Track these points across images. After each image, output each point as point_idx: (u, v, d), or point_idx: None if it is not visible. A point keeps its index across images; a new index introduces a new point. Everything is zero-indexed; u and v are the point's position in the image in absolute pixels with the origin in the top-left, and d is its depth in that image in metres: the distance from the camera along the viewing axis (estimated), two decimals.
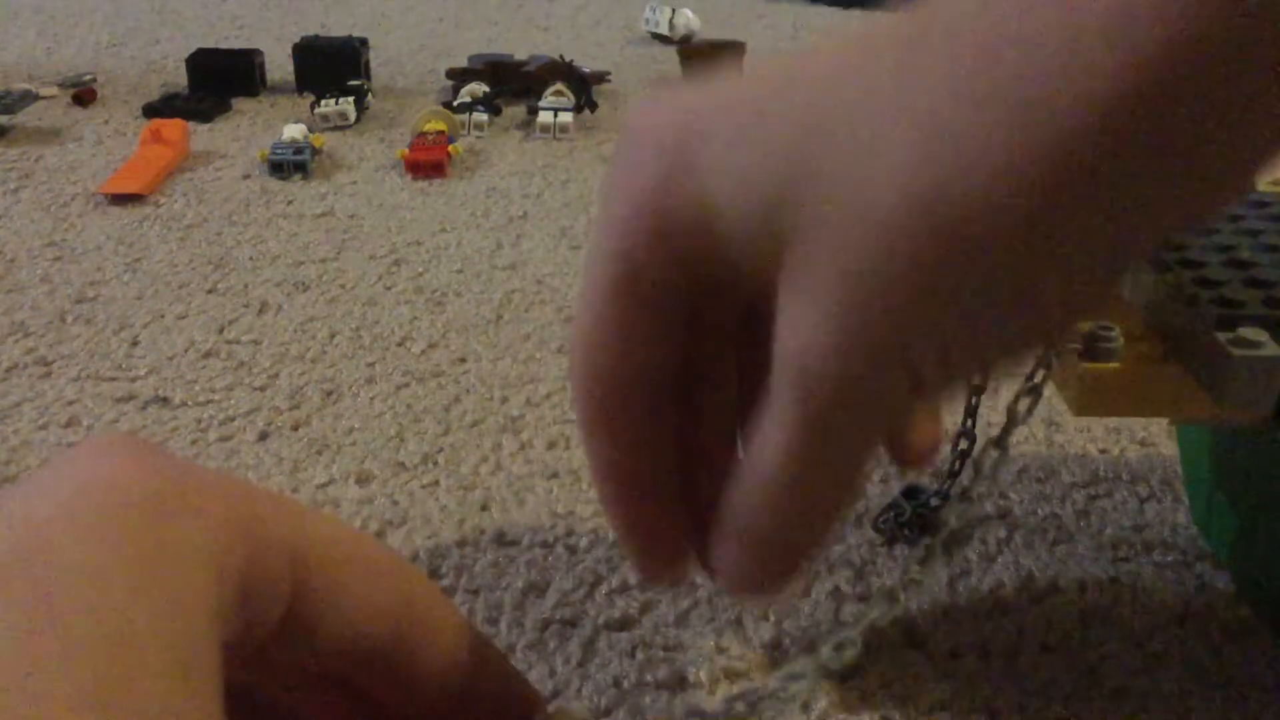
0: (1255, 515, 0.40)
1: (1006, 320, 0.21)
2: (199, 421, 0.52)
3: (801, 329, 0.21)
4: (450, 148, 0.85)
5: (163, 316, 0.62)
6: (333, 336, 0.60)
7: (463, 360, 0.58)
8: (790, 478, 0.23)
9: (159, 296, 0.64)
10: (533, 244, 0.72)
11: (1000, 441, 0.26)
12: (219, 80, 1.02)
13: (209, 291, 0.65)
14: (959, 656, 0.38)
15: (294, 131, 0.86)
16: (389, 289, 0.66)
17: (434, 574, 0.42)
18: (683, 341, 0.24)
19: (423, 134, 0.88)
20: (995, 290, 0.20)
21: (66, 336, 0.60)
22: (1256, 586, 0.40)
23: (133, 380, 0.55)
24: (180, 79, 1.03)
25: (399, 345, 0.59)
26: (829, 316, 0.20)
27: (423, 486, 0.47)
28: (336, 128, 0.93)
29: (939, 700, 0.36)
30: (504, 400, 0.54)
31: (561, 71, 1.01)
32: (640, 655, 0.38)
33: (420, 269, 0.68)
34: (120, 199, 0.78)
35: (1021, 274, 0.20)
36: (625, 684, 0.36)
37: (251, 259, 0.70)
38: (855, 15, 1.44)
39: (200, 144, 0.90)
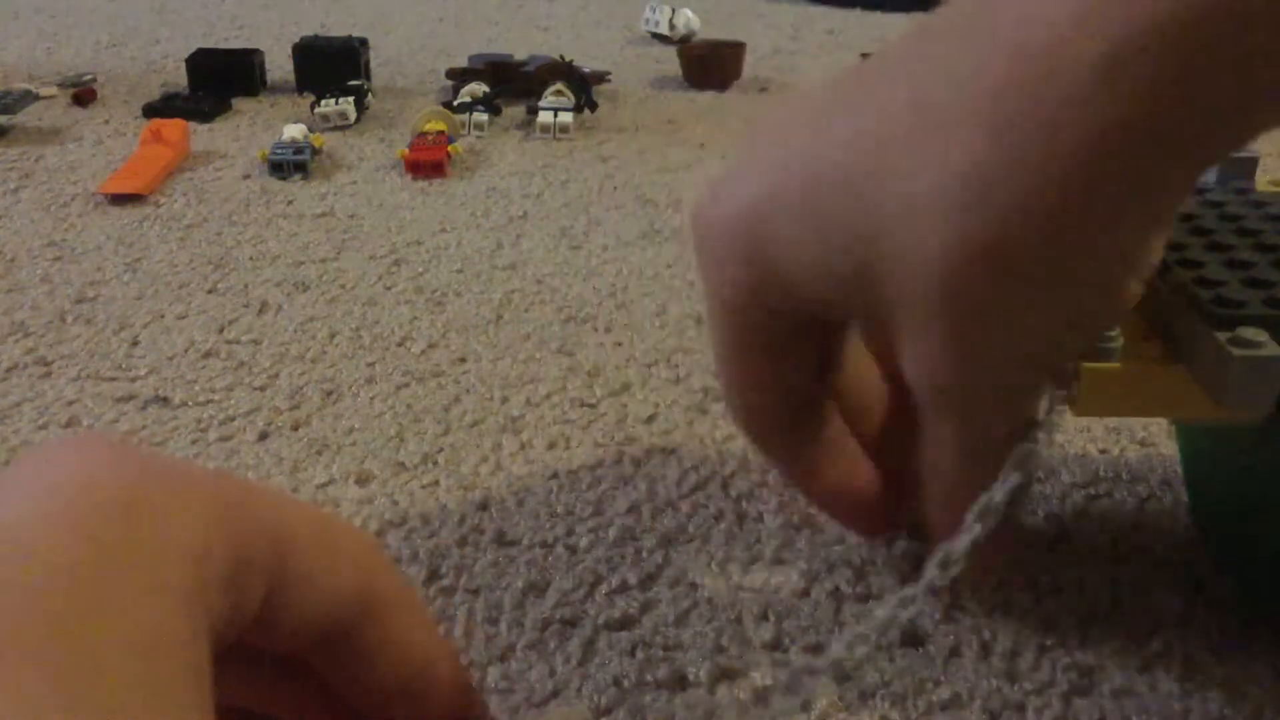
0: (1256, 515, 0.39)
1: (1060, 306, 0.24)
2: (199, 421, 0.52)
3: (922, 362, 0.26)
4: (450, 148, 0.85)
5: (163, 316, 0.62)
6: (333, 336, 0.60)
7: (463, 360, 0.58)
8: (964, 477, 0.28)
9: (159, 296, 0.64)
10: (533, 244, 0.72)
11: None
12: (219, 80, 1.02)
13: (209, 291, 0.65)
14: (959, 656, 0.38)
15: (294, 131, 0.86)
16: (389, 289, 0.66)
17: (434, 574, 0.42)
18: (800, 363, 0.30)
19: (423, 134, 0.88)
20: (1044, 286, 0.23)
21: (66, 336, 0.60)
22: (1257, 587, 0.40)
23: (133, 380, 0.55)
24: (180, 79, 1.03)
25: (399, 345, 0.59)
26: (935, 347, 0.24)
27: (423, 486, 0.47)
28: (336, 128, 0.93)
29: (939, 700, 0.36)
30: (504, 400, 0.54)
31: (561, 71, 1.01)
32: (640, 655, 0.38)
33: (420, 269, 0.68)
34: (120, 199, 0.78)
35: (1061, 270, 0.23)
36: (625, 683, 0.36)
37: (251, 259, 0.70)
38: (855, 15, 1.44)
39: (200, 144, 0.90)
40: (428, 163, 0.84)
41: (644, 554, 0.42)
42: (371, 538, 0.23)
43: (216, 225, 0.75)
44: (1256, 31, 0.19)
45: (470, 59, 1.10)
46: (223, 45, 1.12)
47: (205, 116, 0.96)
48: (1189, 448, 0.45)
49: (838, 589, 0.41)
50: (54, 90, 0.97)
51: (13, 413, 0.52)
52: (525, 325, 0.61)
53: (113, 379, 0.55)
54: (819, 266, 0.26)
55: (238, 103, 1.01)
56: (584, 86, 0.99)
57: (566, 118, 0.93)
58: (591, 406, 0.53)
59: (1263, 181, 0.40)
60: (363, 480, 0.47)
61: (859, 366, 0.34)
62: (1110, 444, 0.51)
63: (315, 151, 0.85)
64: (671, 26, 1.25)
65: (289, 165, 0.83)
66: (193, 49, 1.06)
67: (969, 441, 0.28)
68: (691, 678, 0.37)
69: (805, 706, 0.36)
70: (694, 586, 0.41)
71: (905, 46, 0.25)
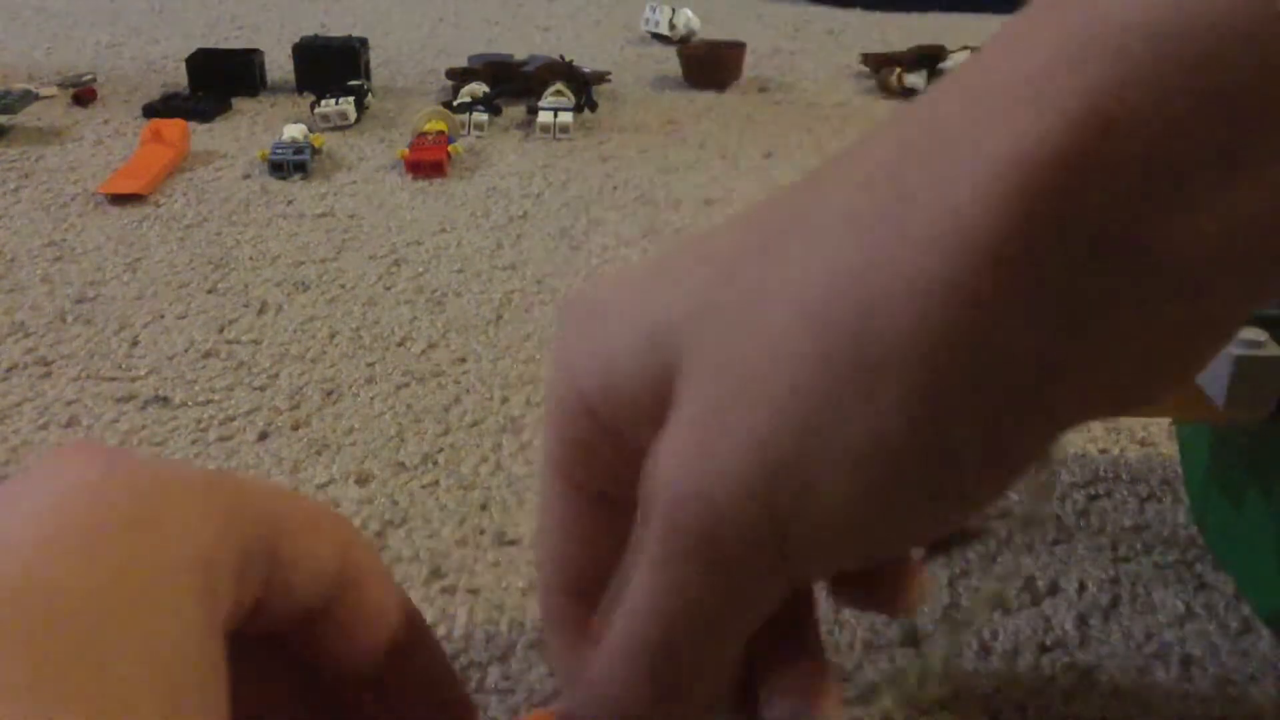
0: (1255, 515, 0.39)
1: (905, 480, 0.17)
2: (199, 421, 0.52)
3: (675, 450, 0.19)
4: (450, 148, 0.85)
5: (163, 316, 0.62)
6: (333, 336, 0.60)
7: (463, 360, 0.58)
8: (648, 636, 0.20)
9: (159, 296, 0.64)
10: (533, 244, 0.72)
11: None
12: (219, 80, 1.02)
13: (209, 291, 0.65)
14: (959, 656, 0.38)
15: (294, 131, 0.86)
16: (389, 289, 0.66)
17: (434, 574, 0.42)
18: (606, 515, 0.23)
19: (423, 134, 0.88)
20: (879, 420, 0.17)
21: (66, 336, 0.60)
22: (1257, 587, 0.40)
23: (133, 380, 0.55)
24: (180, 79, 1.03)
25: (399, 345, 0.59)
26: (704, 429, 0.18)
27: (423, 486, 0.47)
28: (336, 128, 0.93)
29: (939, 700, 0.36)
30: (504, 400, 0.54)
31: (561, 71, 1.01)
32: None
33: (420, 269, 0.68)
34: (120, 199, 0.78)
35: (925, 398, 0.17)
36: None
37: (251, 259, 0.70)
38: (855, 15, 1.44)
39: (200, 144, 0.90)
40: (428, 163, 0.84)
41: None
42: (340, 515, 0.23)
43: (216, 225, 0.75)
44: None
45: (470, 59, 1.10)
46: (223, 45, 1.12)
47: (205, 116, 0.96)
48: (1189, 448, 0.45)
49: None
50: (54, 90, 0.97)
51: (13, 413, 0.52)
52: (525, 325, 0.61)
53: (113, 379, 0.55)
54: (634, 332, 0.20)
55: (238, 103, 1.01)
56: (584, 86, 0.99)
57: (566, 118, 0.93)
58: None
59: None
60: (363, 480, 0.47)
61: None
62: (1110, 444, 0.51)
63: (315, 151, 0.85)
64: (671, 26, 1.25)
65: (289, 165, 0.83)
66: (193, 49, 1.06)
67: (677, 599, 0.19)
68: None
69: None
70: None
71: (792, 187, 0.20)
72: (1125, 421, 0.52)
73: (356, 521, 0.44)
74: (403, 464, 0.49)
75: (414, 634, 0.23)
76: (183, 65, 1.03)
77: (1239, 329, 0.17)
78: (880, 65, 1.10)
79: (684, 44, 1.20)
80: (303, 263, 0.69)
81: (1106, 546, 0.44)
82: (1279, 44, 0.15)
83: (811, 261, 0.18)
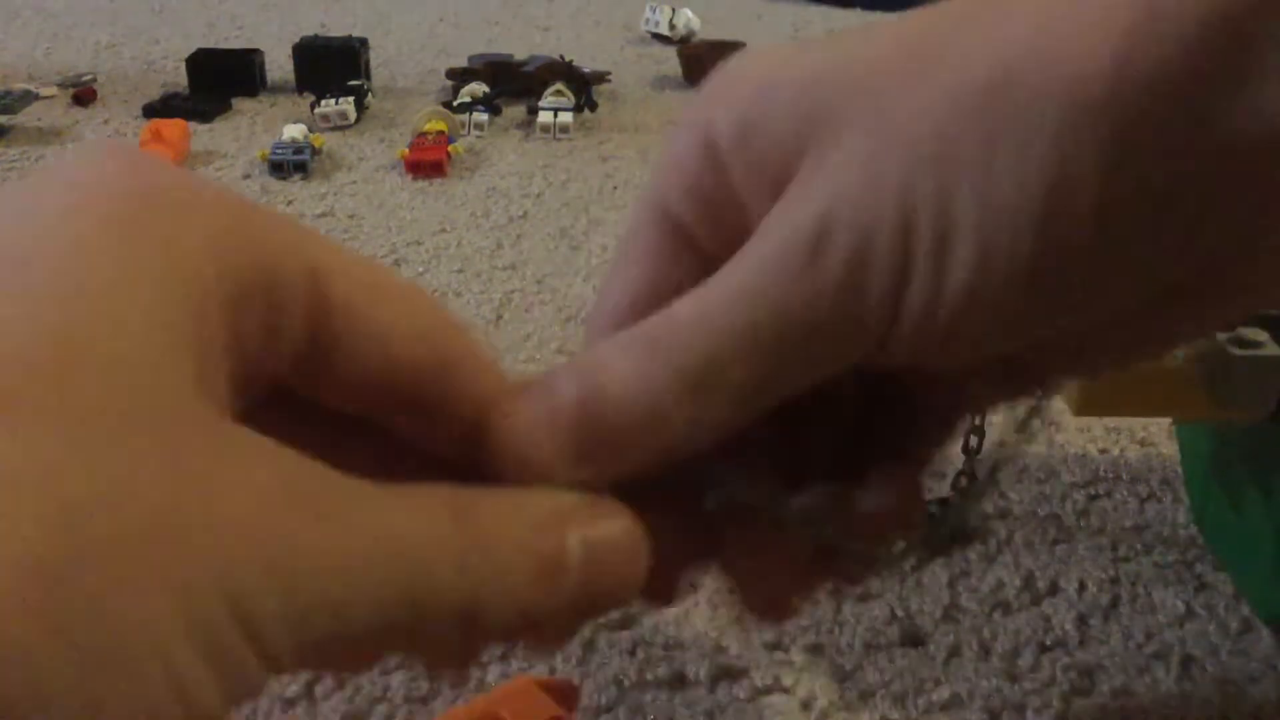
0: (1255, 515, 0.39)
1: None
2: None
3: (832, 178, 0.19)
4: (450, 148, 0.85)
5: None
6: None
7: None
8: (722, 340, 0.19)
9: None
10: (533, 244, 0.72)
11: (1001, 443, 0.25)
12: (219, 80, 1.02)
13: None
14: (959, 656, 0.38)
15: (294, 131, 0.86)
16: None
17: None
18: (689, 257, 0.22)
19: (423, 134, 0.88)
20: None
21: None
22: (1257, 587, 0.40)
23: None
24: (180, 79, 1.03)
25: None
26: (873, 173, 0.18)
27: None
28: (336, 128, 0.93)
29: (939, 700, 0.36)
30: None
31: (561, 71, 1.01)
32: (640, 654, 0.38)
33: (420, 269, 0.68)
34: None
35: (1059, 186, 0.18)
36: (625, 682, 0.36)
37: None
38: (855, 15, 1.45)
39: (200, 144, 0.90)
40: (428, 163, 0.84)
41: None
42: (428, 293, 0.20)
43: None
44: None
45: (470, 59, 1.10)
46: (223, 45, 1.12)
47: (205, 116, 0.96)
48: (1189, 448, 0.45)
49: (838, 588, 0.41)
50: (54, 90, 0.97)
51: None
52: (525, 325, 0.61)
53: None
54: (783, 91, 0.20)
55: (238, 103, 1.01)
56: (584, 86, 0.99)
57: (566, 118, 0.93)
58: None
59: None
60: None
61: None
62: (1110, 444, 0.51)
63: (315, 151, 0.85)
64: (671, 26, 1.25)
65: (289, 165, 0.83)
66: (193, 49, 1.06)
67: (793, 313, 0.19)
68: (691, 677, 0.37)
69: (805, 706, 0.36)
70: (693, 586, 0.41)
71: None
72: (1125, 421, 0.52)
73: None
74: None
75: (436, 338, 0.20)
76: (183, 65, 1.03)
77: None
78: None
79: (684, 44, 1.20)
80: None
81: (1106, 546, 0.44)
82: None
83: (996, 33, 0.18)
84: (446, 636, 0.18)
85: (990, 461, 0.24)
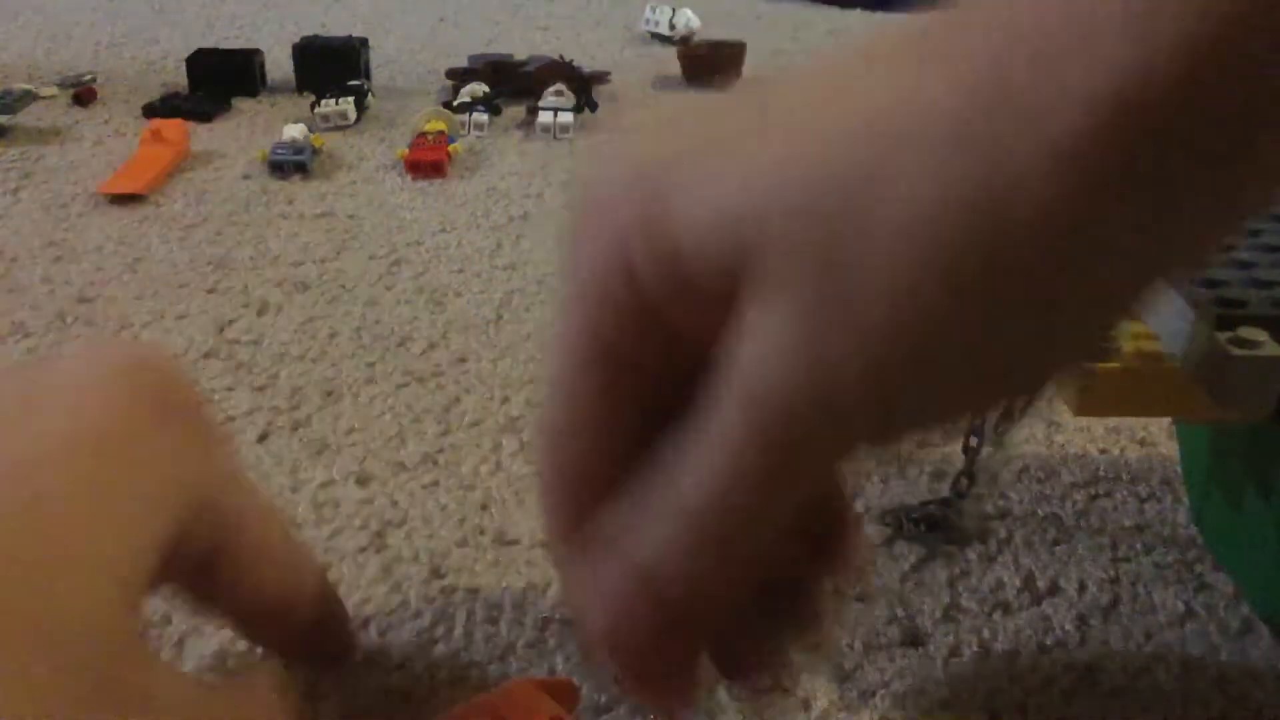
0: (1255, 515, 0.39)
1: (1004, 353, 0.19)
2: None
3: (778, 344, 0.19)
4: (450, 148, 0.85)
5: (163, 316, 0.62)
6: (333, 336, 0.60)
7: (463, 360, 0.58)
8: (725, 508, 0.20)
9: (159, 296, 0.64)
10: (533, 244, 0.72)
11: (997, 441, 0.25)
12: (219, 80, 1.02)
13: (209, 291, 0.65)
14: (959, 656, 0.38)
15: (294, 131, 0.86)
16: (389, 289, 0.66)
17: (434, 574, 0.42)
18: (637, 389, 0.22)
19: (423, 134, 0.88)
20: (1001, 316, 0.18)
21: (66, 336, 0.60)
22: (1257, 587, 0.40)
23: None
24: (180, 79, 1.03)
25: (399, 345, 0.59)
26: (814, 327, 0.18)
27: (423, 486, 0.47)
28: (336, 128, 0.93)
29: (939, 700, 0.36)
30: (504, 400, 0.54)
31: (561, 71, 1.01)
32: None
33: (420, 269, 0.68)
34: (120, 199, 0.78)
35: (1036, 297, 0.18)
36: None
37: (251, 259, 0.70)
38: (855, 15, 1.44)
39: (200, 144, 0.90)
40: (428, 163, 0.84)
41: None
42: (291, 536, 0.27)
43: (216, 225, 0.75)
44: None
45: (470, 59, 1.10)
46: (223, 45, 1.12)
47: (205, 116, 0.96)
48: (1189, 448, 0.45)
49: (837, 588, 0.41)
50: (54, 90, 0.97)
51: None
52: (525, 325, 0.61)
53: None
54: (713, 203, 0.20)
55: (238, 103, 1.01)
56: (584, 86, 0.99)
57: (566, 118, 0.93)
58: None
59: None
60: (363, 480, 0.47)
61: None
62: (1110, 444, 0.51)
63: (315, 151, 0.85)
64: (671, 26, 1.25)
65: (289, 165, 0.83)
66: (193, 49, 1.06)
67: (761, 479, 0.20)
68: None
69: (805, 706, 0.36)
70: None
71: (888, 38, 0.20)
72: (1125, 421, 0.52)
73: (356, 521, 0.45)
74: (403, 464, 0.49)
75: (305, 578, 0.29)
76: (183, 65, 1.03)
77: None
78: None
79: (684, 44, 1.20)
80: (303, 263, 0.69)
81: (1106, 546, 0.44)
82: None
83: (924, 172, 0.18)
84: None
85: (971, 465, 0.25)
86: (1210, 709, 0.36)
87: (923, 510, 0.44)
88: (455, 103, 0.96)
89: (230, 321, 0.61)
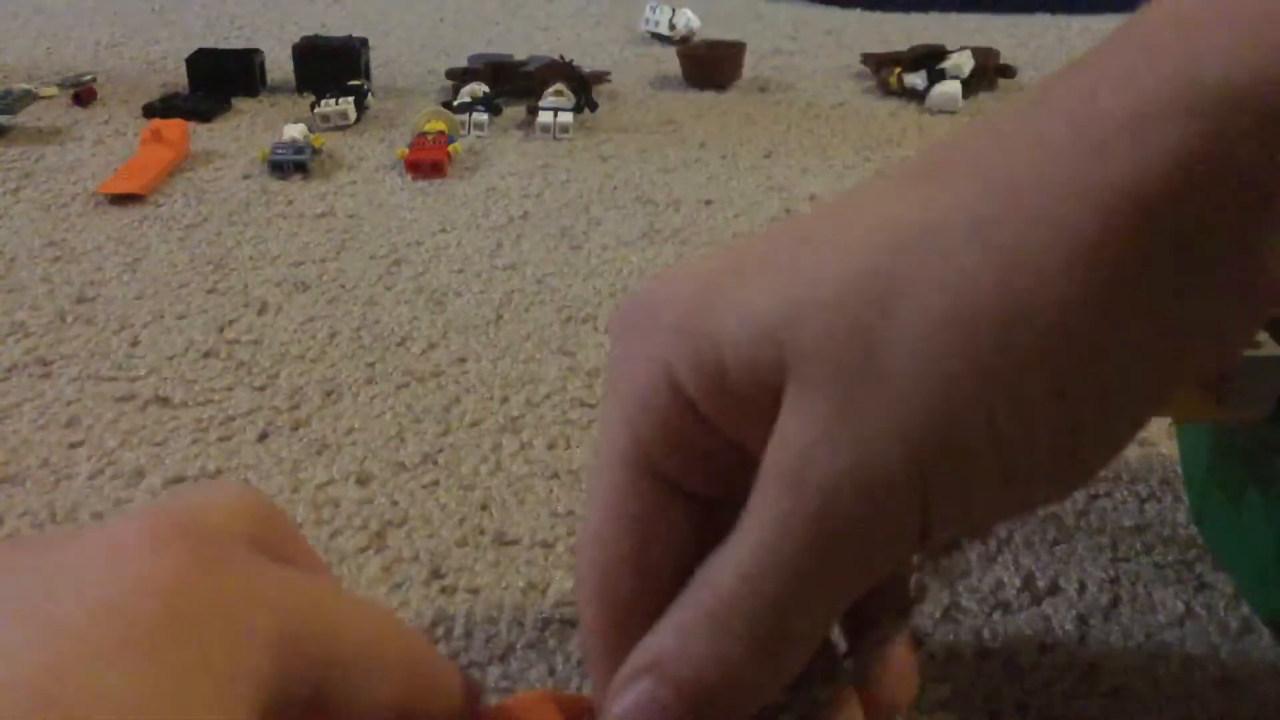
0: (1255, 515, 0.39)
1: (1037, 453, 0.20)
2: (199, 421, 0.52)
3: (813, 421, 0.20)
4: (450, 148, 0.85)
5: (163, 316, 0.62)
6: (333, 336, 0.60)
7: (463, 360, 0.58)
8: (770, 604, 0.20)
9: (159, 296, 0.64)
10: (533, 244, 0.72)
11: None
12: (219, 80, 1.02)
13: (209, 291, 0.65)
14: (959, 656, 0.38)
15: (294, 131, 0.86)
16: (389, 289, 0.66)
17: (434, 574, 0.42)
18: (681, 518, 0.23)
19: (423, 134, 0.88)
20: (1028, 408, 0.19)
21: (66, 336, 0.60)
22: (1257, 587, 0.40)
23: (133, 380, 0.55)
24: (180, 79, 1.03)
25: (399, 345, 0.59)
26: (853, 409, 0.19)
27: (423, 486, 0.47)
28: (336, 128, 0.93)
29: (939, 700, 0.36)
30: (504, 400, 0.54)
31: (561, 71, 1.01)
32: None
33: (420, 269, 0.68)
34: (120, 199, 0.78)
35: (1056, 386, 0.19)
36: None
37: (251, 259, 0.70)
38: (854, 15, 1.44)
39: (200, 144, 0.90)
40: (428, 163, 0.84)
41: None
42: (421, 640, 0.21)
43: (216, 225, 0.75)
44: None
45: (470, 59, 1.10)
46: (223, 45, 1.12)
47: (205, 116, 0.96)
48: (1189, 448, 0.45)
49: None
50: (54, 90, 0.97)
51: (13, 413, 0.52)
52: (525, 325, 0.61)
53: (113, 379, 0.55)
54: (751, 314, 0.20)
55: (238, 103, 1.01)
56: (584, 86, 0.99)
57: (566, 118, 0.93)
58: (591, 406, 0.53)
59: None
60: (363, 480, 0.47)
61: None
62: None
63: (315, 151, 0.85)
64: (671, 26, 1.25)
65: (289, 165, 0.83)
66: (193, 49, 1.06)
67: (815, 568, 0.20)
68: None
69: None
70: None
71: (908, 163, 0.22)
72: None
73: (356, 521, 0.44)
74: (403, 464, 0.49)
75: None
76: (183, 65, 1.03)
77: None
78: (880, 65, 1.10)
79: (684, 44, 1.20)
80: (303, 263, 0.69)
81: (1106, 546, 0.44)
82: None
83: (947, 270, 0.19)
84: None
85: None
86: (1210, 709, 0.36)
87: None
88: (455, 103, 0.96)
89: (230, 321, 0.61)
